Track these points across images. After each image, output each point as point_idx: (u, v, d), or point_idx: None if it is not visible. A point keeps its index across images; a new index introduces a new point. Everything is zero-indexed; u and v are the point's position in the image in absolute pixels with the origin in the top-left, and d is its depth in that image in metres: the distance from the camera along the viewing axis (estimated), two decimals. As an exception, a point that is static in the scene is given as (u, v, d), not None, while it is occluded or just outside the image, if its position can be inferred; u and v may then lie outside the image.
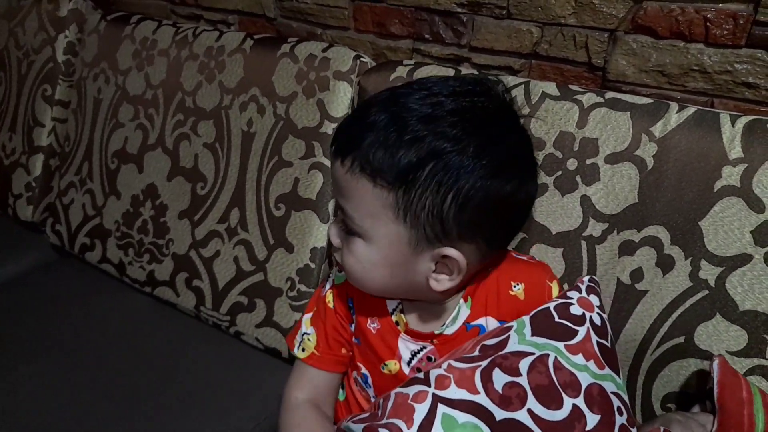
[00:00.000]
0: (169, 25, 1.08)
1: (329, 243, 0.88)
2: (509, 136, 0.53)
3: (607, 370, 0.57)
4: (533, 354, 0.54)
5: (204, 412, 0.84)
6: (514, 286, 0.61)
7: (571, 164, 0.67)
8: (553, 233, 0.68)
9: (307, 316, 0.69)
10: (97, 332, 1.01)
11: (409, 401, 0.53)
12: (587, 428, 0.52)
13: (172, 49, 1.05)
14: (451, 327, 0.61)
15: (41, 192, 1.23)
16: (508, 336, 0.56)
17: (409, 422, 0.52)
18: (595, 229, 0.66)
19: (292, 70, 0.90)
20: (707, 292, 0.61)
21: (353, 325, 0.66)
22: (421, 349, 0.62)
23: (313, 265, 0.89)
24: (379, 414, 0.55)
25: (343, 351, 0.67)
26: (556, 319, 0.57)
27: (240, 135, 0.95)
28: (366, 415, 0.57)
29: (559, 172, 0.68)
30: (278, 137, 0.91)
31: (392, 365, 0.63)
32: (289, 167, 0.90)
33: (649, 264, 0.63)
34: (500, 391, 0.52)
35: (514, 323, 0.58)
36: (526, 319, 0.58)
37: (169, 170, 1.02)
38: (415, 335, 0.62)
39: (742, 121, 0.61)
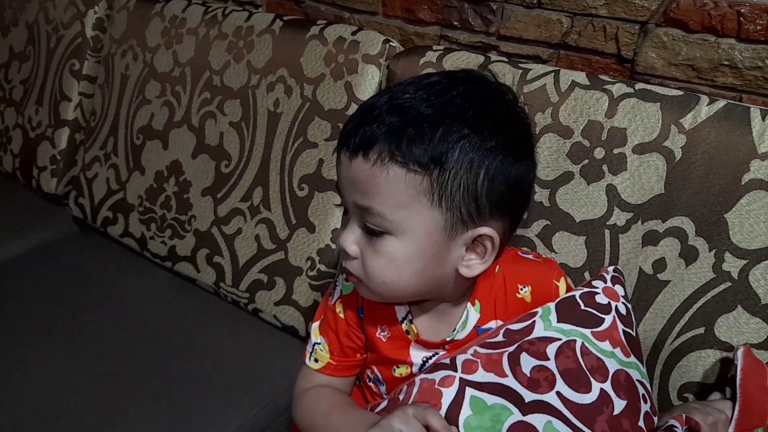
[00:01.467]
0: (199, 4, 1.10)
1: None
2: (513, 119, 0.56)
3: (632, 358, 0.58)
4: (560, 339, 0.55)
5: (214, 390, 0.85)
6: (521, 289, 0.61)
7: (599, 153, 0.68)
8: (577, 221, 0.69)
9: (315, 325, 0.68)
10: (114, 306, 1.04)
11: (436, 386, 0.54)
12: (614, 413, 0.53)
13: (201, 28, 1.06)
14: (461, 332, 0.61)
15: (65, 165, 1.25)
16: (534, 322, 0.57)
17: (437, 405, 0.53)
18: (619, 218, 0.67)
19: (321, 52, 0.91)
20: (730, 284, 0.61)
21: (364, 333, 0.66)
22: (434, 355, 0.62)
23: (333, 246, 0.90)
24: (402, 400, 0.56)
25: (358, 356, 0.67)
26: (582, 307, 0.59)
27: (266, 115, 0.96)
28: (385, 403, 0.59)
29: (586, 161, 0.69)
30: (304, 118, 0.92)
31: (404, 369, 0.64)
32: (314, 148, 0.91)
33: (672, 254, 0.64)
34: (528, 375, 0.53)
35: (539, 309, 0.59)
36: (552, 306, 0.59)
37: (194, 147, 1.04)
38: (426, 344, 0.63)
39: (773, 115, 0.61)
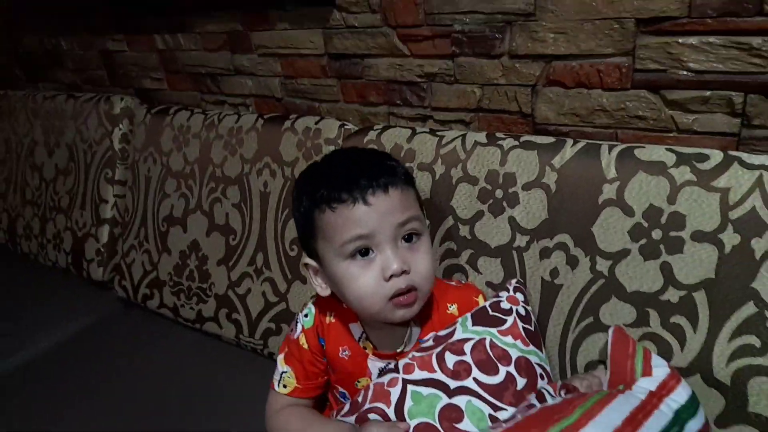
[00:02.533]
0: (199, 113, 1.36)
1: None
2: None
3: (531, 347, 0.76)
4: (473, 339, 0.74)
5: (243, 422, 1.01)
6: (450, 307, 0.81)
7: (499, 193, 0.88)
8: (492, 247, 0.89)
9: (281, 357, 0.84)
10: (154, 367, 1.23)
11: (385, 387, 0.72)
12: (518, 388, 0.71)
13: (202, 132, 1.32)
14: (408, 345, 0.78)
15: (108, 255, 1.51)
16: (455, 328, 0.76)
17: (387, 403, 0.71)
18: (521, 240, 0.86)
19: (294, 140, 1.15)
20: (603, 280, 0.79)
21: (325, 357, 0.81)
22: (387, 365, 0.77)
23: (322, 292, 1.11)
24: (360, 402, 0.74)
25: (319, 379, 0.83)
26: (490, 313, 0.78)
27: (259, 195, 1.19)
28: (348, 407, 0.76)
29: (491, 200, 0.89)
30: (288, 193, 1.14)
31: (364, 381, 0.79)
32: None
33: (561, 263, 0.83)
34: (451, 368, 0.71)
35: (459, 319, 0.78)
36: (468, 315, 0.78)
37: (207, 227, 1.27)
38: (381, 356, 0.78)
39: (617, 149, 0.81)
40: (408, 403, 0.70)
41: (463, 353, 0.73)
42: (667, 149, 0.78)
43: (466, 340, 0.75)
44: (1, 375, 1.30)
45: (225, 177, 1.25)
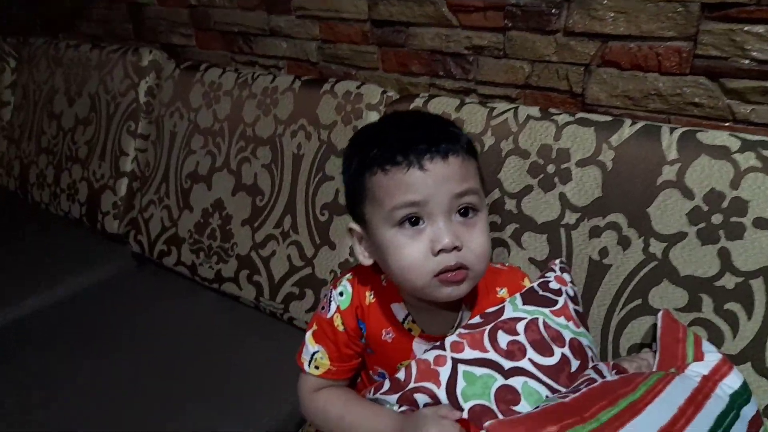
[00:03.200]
0: (232, 71, 1.32)
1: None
2: None
3: (582, 329, 0.74)
4: (526, 318, 0.71)
5: (259, 389, 1.00)
6: (500, 290, 0.75)
7: (551, 168, 0.86)
8: (539, 223, 0.87)
9: (309, 335, 0.75)
10: (168, 323, 1.20)
11: (432, 366, 0.68)
12: (572, 370, 0.69)
13: (235, 90, 1.28)
14: (459, 329, 0.71)
15: (125, 209, 1.47)
16: (504, 306, 0.72)
17: (437, 383, 0.66)
18: (570, 218, 0.84)
19: (333, 103, 1.12)
20: (656, 263, 0.78)
21: (363, 339, 0.74)
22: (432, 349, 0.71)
23: (351, 259, 1.08)
24: (404, 380, 0.69)
25: (354, 362, 0.76)
26: (541, 293, 0.75)
27: (291, 156, 1.16)
28: (388, 386, 0.70)
29: (542, 175, 0.87)
30: (322, 157, 1.12)
31: (407, 363, 0.71)
32: (331, 181, 1.10)
33: (612, 243, 0.81)
34: (505, 348, 0.68)
35: (507, 299, 0.74)
36: (518, 295, 0.74)
37: (233, 187, 1.24)
38: (429, 338, 0.72)
39: (678, 131, 0.79)
40: (460, 383, 0.66)
41: (516, 333, 0.69)
42: (730, 134, 0.76)
43: (518, 319, 0.70)
44: (9, 323, 1.26)
45: (256, 137, 1.22)
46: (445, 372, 0.67)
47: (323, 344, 0.75)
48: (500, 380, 0.65)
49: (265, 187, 1.19)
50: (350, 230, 0.71)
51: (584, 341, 0.73)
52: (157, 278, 1.39)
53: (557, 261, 0.81)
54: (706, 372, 0.67)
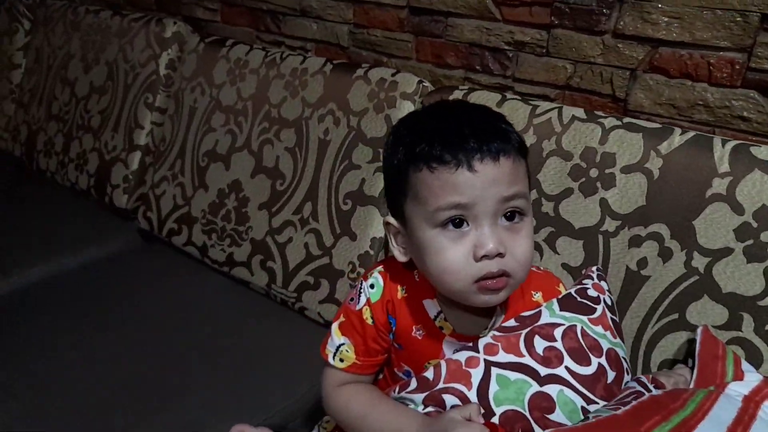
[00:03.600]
0: (259, 49, 1.29)
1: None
2: None
3: (618, 339, 0.72)
4: (564, 324, 0.69)
5: (258, 379, 0.97)
6: (534, 294, 0.73)
7: (593, 173, 0.84)
8: (576, 228, 0.85)
9: (335, 326, 0.73)
10: (173, 304, 1.18)
11: (464, 367, 0.66)
12: (608, 381, 0.67)
13: (261, 68, 1.26)
14: (492, 331, 0.69)
15: (136, 184, 1.45)
16: (540, 311, 0.70)
17: (468, 385, 0.64)
18: (610, 225, 0.83)
19: (365, 89, 1.10)
20: (698, 277, 0.76)
21: (392, 335, 0.72)
22: (464, 347, 0.69)
23: (372, 252, 1.06)
24: (432, 380, 0.67)
25: (380, 357, 0.74)
26: (579, 299, 0.73)
27: (317, 141, 1.14)
28: (415, 385, 0.67)
29: (584, 179, 0.85)
30: (350, 144, 1.10)
31: (435, 363, 0.70)
32: (357, 170, 1.08)
33: (652, 254, 0.79)
34: (541, 354, 0.66)
35: (544, 303, 0.72)
36: (554, 300, 0.72)
37: (253, 168, 1.22)
38: (460, 338, 0.70)
39: (731, 144, 0.77)
40: (493, 387, 0.64)
41: (553, 339, 0.67)
42: (786, 151, 0.75)
43: (555, 325, 0.69)
44: (7, 293, 1.23)
45: (281, 118, 1.19)
46: (477, 374, 0.65)
47: (350, 337, 0.72)
48: (535, 387, 0.64)
49: (287, 170, 1.17)
50: (387, 224, 0.69)
51: (620, 352, 0.71)
52: (164, 257, 1.36)
53: (594, 268, 0.79)
54: (746, 392, 0.65)
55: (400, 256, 0.69)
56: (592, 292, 0.74)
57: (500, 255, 0.61)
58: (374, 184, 1.06)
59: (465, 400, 0.64)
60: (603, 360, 0.68)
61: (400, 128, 0.67)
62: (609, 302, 0.75)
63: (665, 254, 0.79)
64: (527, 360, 0.65)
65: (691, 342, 0.75)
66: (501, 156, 0.61)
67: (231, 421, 0.83)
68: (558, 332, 0.68)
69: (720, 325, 0.75)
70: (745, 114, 0.89)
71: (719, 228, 0.75)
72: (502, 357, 0.66)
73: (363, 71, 1.12)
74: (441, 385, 0.66)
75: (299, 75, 1.19)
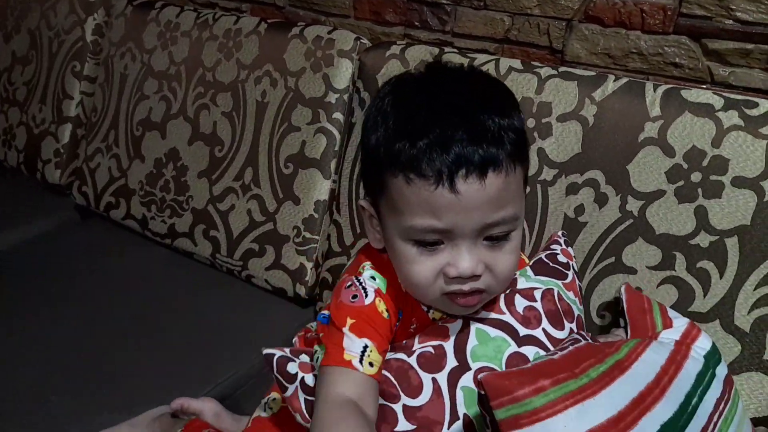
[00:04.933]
0: (191, 10, 1.24)
1: (331, 199, 1.04)
2: None
3: (581, 306, 0.73)
4: (541, 288, 0.69)
5: (213, 347, 0.97)
6: None
7: (530, 122, 0.84)
8: (516, 179, 0.85)
9: (347, 329, 0.58)
10: (117, 279, 1.15)
11: (440, 324, 0.63)
12: (577, 346, 0.68)
13: (194, 30, 1.21)
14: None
15: (69, 158, 1.38)
16: (516, 278, 0.69)
17: (445, 338, 0.60)
18: (548, 174, 0.83)
19: (302, 48, 1.07)
20: (632, 221, 0.78)
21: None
22: None
23: (316, 215, 1.05)
24: (406, 344, 0.62)
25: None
26: (551, 264, 0.73)
27: (254, 104, 1.11)
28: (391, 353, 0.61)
29: (521, 129, 0.85)
30: (288, 106, 1.07)
31: None
32: (297, 132, 1.06)
33: (588, 201, 0.81)
34: (521, 313, 0.65)
35: (518, 271, 0.69)
36: (527, 267, 0.72)
37: (190, 136, 1.18)
38: (449, 320, 0.64)
39: (662, 88, 0.79)
40: (472, 341, 0.61)
41: (533, 299, 0.66)
42: (714, 93, 0.76)
43: (533, 288, 0.68)
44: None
45: (216, 82, 1.16)
46: (455, 327, 0.62)
47: (370, 337, 0.58)
48: (513, 346, 0.62)
49: (225, 136, 1.14)
50: (362, 208, 0.63)
51: (583, 318, 0.73)
52: (104, 233, 1.32)
53: (560, 233, 0.80)
54: (677, 337, 0.67)
55: (377, 243, 0.63)
56: (561, 258, 0.75)
57: (475, 276, 0.56)
58: (315, 145, 1.04)
59: (440, 352, 0.60)
60: (574, 326, 0.69)
61: (386, 99, 0.59)
62: (576, 268, 0.77)
63: (601, 200, 0.80)
64: (507, 318, 0.64)
65: (618, 302, 0.77)
66: (489, 172, 0.53)
67: (176, 394, 0.82)
68: (537, 293, 0.67)
69: (654, 266, 0.77)
70: (677, 60, 0.91)
71: (651, 171, 0.77)
72: (482, 313, 0.63)
73: (299, 30, 1.09)
74: (416, 346, 0.62)
75: (233, 36, 1.15)
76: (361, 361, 0.57)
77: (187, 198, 1.17)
